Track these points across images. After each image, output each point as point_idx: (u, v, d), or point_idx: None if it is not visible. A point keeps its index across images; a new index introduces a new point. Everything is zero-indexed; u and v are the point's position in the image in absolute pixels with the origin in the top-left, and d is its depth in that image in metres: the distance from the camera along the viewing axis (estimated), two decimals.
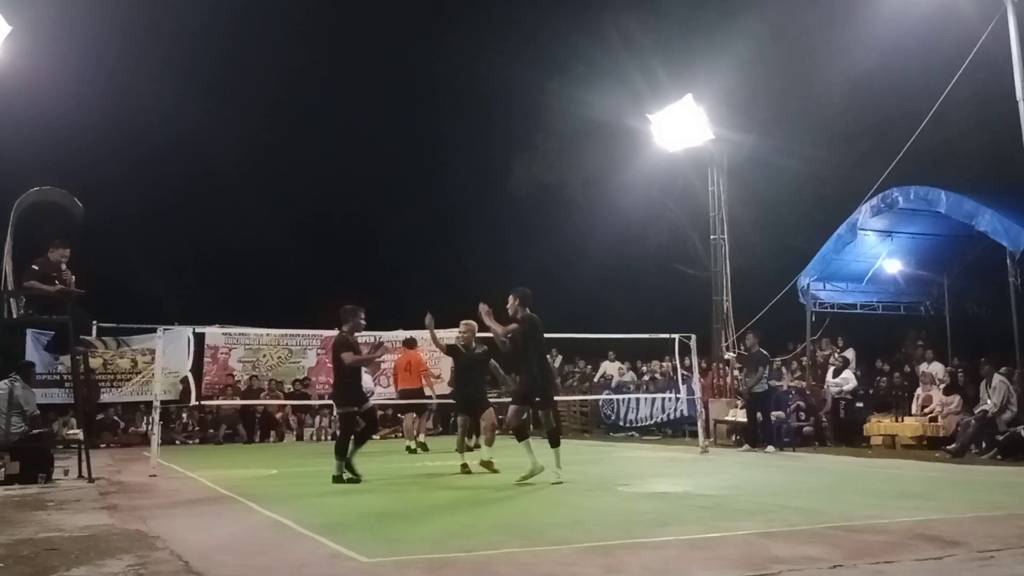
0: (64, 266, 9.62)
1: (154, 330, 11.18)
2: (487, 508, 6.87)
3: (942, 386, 12.71)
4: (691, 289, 20.11)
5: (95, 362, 17.00)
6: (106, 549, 4.96)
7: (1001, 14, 11.32)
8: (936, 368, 13.34)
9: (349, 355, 8.99)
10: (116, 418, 17.88)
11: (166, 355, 11.51)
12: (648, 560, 4.44)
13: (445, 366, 16.51)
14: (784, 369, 15.19)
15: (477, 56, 24.76)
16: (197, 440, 17.77)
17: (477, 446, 10.39)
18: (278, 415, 18.66)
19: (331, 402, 19.01)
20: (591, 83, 21.58)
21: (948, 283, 15.30)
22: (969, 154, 17.39)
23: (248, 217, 27.13)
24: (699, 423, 13.42)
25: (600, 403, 18.52)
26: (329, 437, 18.60)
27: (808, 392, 14.28)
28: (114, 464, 11.84)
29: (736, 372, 15.35)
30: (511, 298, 8.47)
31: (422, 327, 10.71)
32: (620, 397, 17.94)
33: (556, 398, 10.11)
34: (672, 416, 16.59)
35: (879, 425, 12.92)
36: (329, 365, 19.71)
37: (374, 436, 18.16)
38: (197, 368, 14.78)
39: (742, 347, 14.71)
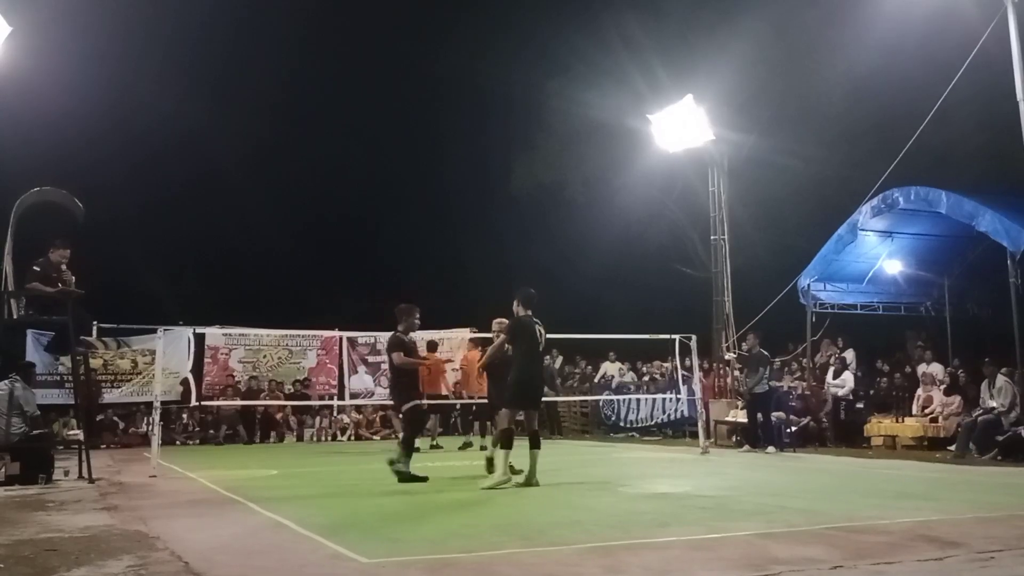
0: (64, 267, 9.62)
1: (154, 331, 11.16)
2: (488, 508, 6.87)
3: (942, 387, 12.71)
4: (691, 289, 20.12)
5: (95, 363, 17.00)
6: (106, 550, 4.95)
7: (1001, 14, 11.33)
8: (936, 369, 13.34)
9: (399, 356, 8.85)
10: (116, 419, 17.89)
11: (166, 356, 11.50)
12: (649, 561, 4.44)
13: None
14: (784, 370, 15.19)
15: (477, 56, 24.79)
16: (197, 441, 17.77)
17: (483, 447, 10.32)
18: (278, 416, 18.66)
19: (331, 403, 19.15)
20: (591, 83, 21.59)
21: (948, 284, 15.30)
22: (969, 154, 17.38)
23: (248, 217, 27.17)
24: (699, 424, 13.42)
25: (600, 404, 18.53)
26: (329, 438, 18.64)
27: (808, 393, 14.28)
28: (114, 465, 11.83)
29: (736, 373, 15.35)
30: (515, 300, 8.45)
31: (423, 327, 10.64)
32: (620, 398, 17.95)
33: (556, 399, 10.01)
34: (672, 417, 16.60)
35: (879, 426, 12.92)
36: (330, 366, 19.92)
37: (374, 437, 18.26)
38: (197, 369, 14.79)
39: (743, 348, 14.71)
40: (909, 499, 6.96)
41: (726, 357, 15.70)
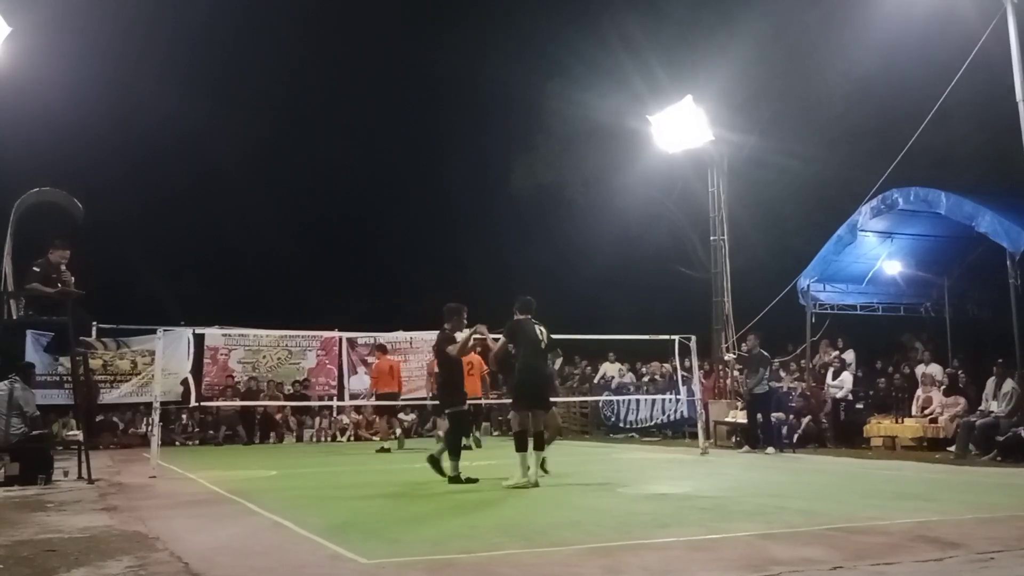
0: (64, 267, 9.61)
1: (154, 331, 11.16)
2: (488, 509, 6.86)
3: (942, 388, 12.71)
4: (691, 290, 20.11)
5: (95, 363, 16.99)
6: (106, 550, 4.95)
7: (1001, 15, 11.34)
8: (935, 369, 13.32)
9: (453, 347, 8.75)
10: (116, 419, 17.88)
11: (166, 356, 11.49)
12: (649, 561, 4.44)
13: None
14: (783, 371, 15.18)
15: (477, 57, 24.81)
16: (197, 441, 17.76)
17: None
18: (278, 416, 18.65)
19: (330, 403, 19.15)
20: (591, 84, 21.60)
21: (948, 284, 15.29)
22: (969, 155, 17.38)
23: (248, 217, 27.18)
24: (699, 424, 13.41)
25: (600, 404, 18.52)
26: (329, 439, 18.63)
27: (808, 394, 14.27)
28: (114, 465, 11.83)
29: (736, 373, 15.34)
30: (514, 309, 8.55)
31: (422, 327, 10.65)
32: (620, 398, 17.94)
33: (555, 399, 9.93)
34: (672, 417, 16.59)
35: (879, 426, 12.92)
36: (329, 366, 19.92)
37: (374, 437, 18.18)
38: (197, 369, 14.79)
39: (742, 348, 14.71)
40: (909, 500, 6.97)
41: (726, 358, 15.70)
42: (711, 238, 17.02)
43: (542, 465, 8.51)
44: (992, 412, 11.21)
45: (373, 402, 16.02)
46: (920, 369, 13.52)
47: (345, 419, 18.96)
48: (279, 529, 5.81)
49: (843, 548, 4.66)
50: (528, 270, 23.79)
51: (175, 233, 27.21)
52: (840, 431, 13.63)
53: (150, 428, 11.31)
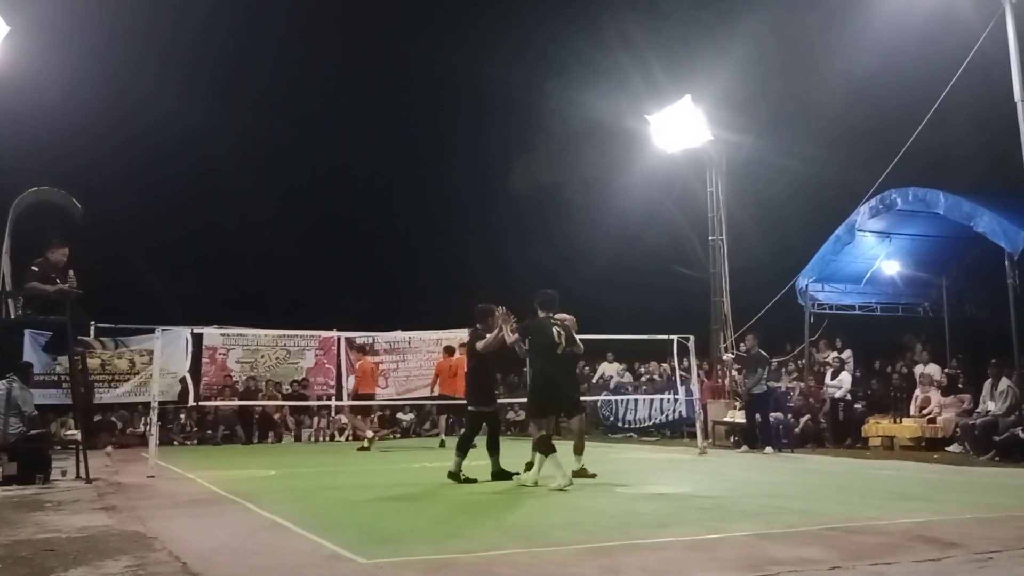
0: (69, 270, 9.58)
1: (152, 330, 11.15)
2: (486, 509, 6.87)
3: (940, 387, 12.71)
4: (690, 290, 20.10)
5: (93, 363, 16.97)
6: (104, 550, 4.95)
7: (999, 16, 11.34)
8: (933, 369, 13.34)
9: (482, 343, 8.50)
10: (114, 419, 17.87)
11: (164, 356, 11.48)
12: (648, 561, 4.44)
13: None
14: (782, 370, 15.19)
15: (477, 57, 24.82)
16: (195, 441, 17.75)
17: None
18: (276, 416, 18.64)
19: (329, 403, 19.16)
20: (590, 84, 21.60)
21: (947, 284, 15.30)
22: (968, 155, 17.40)
23: (247, 217, 27.18)
24: (697, 424, 13.41)
25: (598, 404, 18.51)
26: (327, 438, 18.63)
27: (807, 393, 14.28)
28: (112, 465, 11.81)
29: (735, 373, 15.35)
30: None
31: (421, 327, 10.63)
32: (619, 398, 17.94)
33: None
34: (670, 417, 16.58)
35: (877, 426, 12.92)
36: (328, 366, 19.91)
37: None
38: (195, 369, 14.77)
39: (741, 348, 14.71)
40: (907, 500, 6.97)
41: (724, 358, 15.70)
42: (710, 238, 17.02)
43: (574, 468, 8.43)
44: (989, 411, 11.22)
45: (355, 402, 16.16)
46: (919, 369, 13.53)
47: (344, 419, 18.95)
48: (277, 529, 5.81)
49: (842, 548, 4.66)
50: (527, 270, 23.77)
51: (174, 233, 27.20)
52: (838, 431, 13.63)
53: (148, 428, 11.30)
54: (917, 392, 12.97)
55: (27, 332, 14.15)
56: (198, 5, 25.22)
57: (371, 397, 15.80)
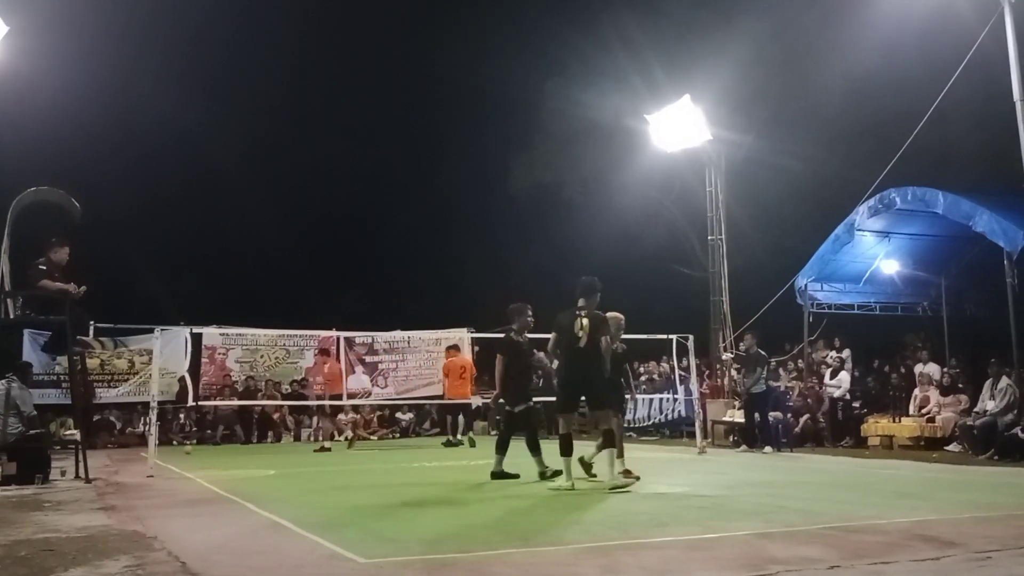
0: (82, 288, 9.56)
1: (151, 330, 11.14)
2: (485, 508, 6.86)
3: (939, 387, 12.72)
4: (689, 290, 20.11)
5: (92, 363, 16.97)
6: (103, 550, 4.94)
7: (998, 15, 11.35)
8: (933, 369, 13.35)
9: (499, 362, 8.52)
10: (112, 419, 17.86)
11: (163, 355, 11.48)
12: (647, 560, 4.44)
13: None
14: (781, 370, 15.18)
15: (476, 56, 24.83)
16: (195, 441, 17.73)
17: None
18: (276, 416, 18.64)
19: (328, 403, 19.16)
20: (589, 83, 21.60)
21: (946, 284, 15.30)
22: (967, 155, 17.40)
23: (247, 217, 27.19)
24: (697, 424, 13.41)
25: None
26: (327, 438, 18.61)
27: (805, 393, 14.28)
28: (111, 465, 11.81)
29: (734, 373, 15.35)
30: None
31: (421, 327, 10.62)
32: None
33: (553, 399, 9.70)
34: (670, 417, 16.58)
35: (876, 426, 12.93)
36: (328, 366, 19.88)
37: (371, 437, 18.22)
38: (194, 368, 14.77)
39: (740, 348, 14.71)
40: (906, 499, 6.97)
41: (723, 357, 15.70)
42: (709, 237, 17.02)
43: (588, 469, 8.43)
44: (988, 411, 11.22)
45: (342, 402, 16.43)
46: (918, 368, 13.54)
47: (343, 418, 18.94)
48: (277, 528, 5.81)
49: (841, 547, 4.66)
50: (526, 269, 23.80)
51: (173, 232, 27.22)
52: (837, 430, 13.64)
53: (147, 428, 11.29)
54: (916, 391, 12.97)
55: (26, 332, 14.16)
56: (197, 5, 25.21)
57: (339, 398, 16.22)
